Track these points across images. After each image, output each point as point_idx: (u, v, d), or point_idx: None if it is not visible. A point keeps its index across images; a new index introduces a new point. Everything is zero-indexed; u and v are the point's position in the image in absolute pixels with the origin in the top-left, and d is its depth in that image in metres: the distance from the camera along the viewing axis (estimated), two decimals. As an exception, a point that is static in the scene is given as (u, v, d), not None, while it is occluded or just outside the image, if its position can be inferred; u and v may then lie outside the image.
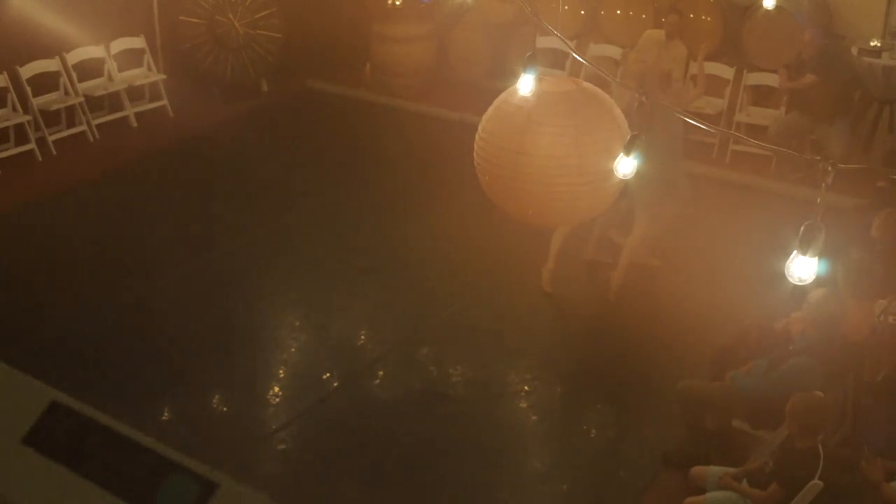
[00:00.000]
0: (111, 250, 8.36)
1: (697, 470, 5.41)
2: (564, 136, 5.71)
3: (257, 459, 6.03)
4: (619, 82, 7.59)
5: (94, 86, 10.56)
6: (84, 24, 10.23)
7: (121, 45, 10.80)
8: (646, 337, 7.10)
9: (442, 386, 6.75)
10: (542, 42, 10.55)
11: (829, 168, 4.12)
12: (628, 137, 5.33)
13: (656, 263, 7.94)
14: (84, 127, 10.42)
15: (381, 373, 6.90)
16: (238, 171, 9.91)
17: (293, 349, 7.20)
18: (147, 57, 11.00)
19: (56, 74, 10.22)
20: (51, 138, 10.10)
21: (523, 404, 6.76)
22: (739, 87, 10.05)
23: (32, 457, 1.88)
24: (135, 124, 10.81)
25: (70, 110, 10.39)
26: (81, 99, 10.37)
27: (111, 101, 10.77)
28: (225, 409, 6.68)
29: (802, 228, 4.04)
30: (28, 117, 9.88)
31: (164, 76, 11.07)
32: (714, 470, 5.33)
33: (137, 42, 10.92)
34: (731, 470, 5.27)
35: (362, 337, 7.42)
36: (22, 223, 8.82)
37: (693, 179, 9.29)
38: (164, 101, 11.04)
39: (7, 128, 9.76)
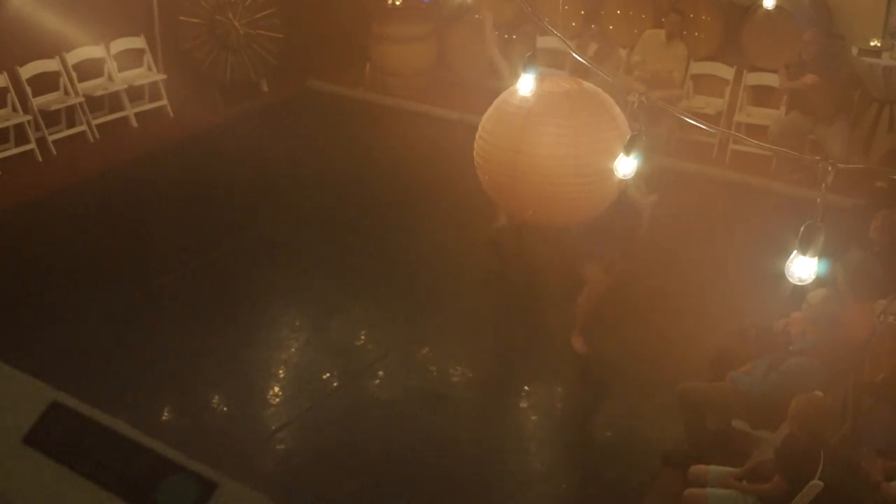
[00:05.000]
0: (111, 250, 8.36)
1: (697, 469, 5.41)
2: (564, 136, 5.71)
3: (257, 459, 6.03)
4: (619, 82, 7.60)
5: (94, 86, 10.56)
6: (84, 24, 10.22)
7: (121, 45, 10.80)
8: (646, 337, 7.10)
9: (442, 386, 6.75)
10: (542, 42, 10.55)
11: (829, 168, 4.12)
12: (628, 137, 5.34)
13: None
14: (84, 127, 10.42)
15: (380, 373, 6.90)
16: (238, 171, 9.91)
17: (293, 349, 7.20)
18: (147, 57, 11.00)
19: (56, 74, 10.22)
20: (51, 138, 10.10)
21: (523, 404, 6.77)
22: (739, 87, 10.06)
23: (32, 457, 1.88)
24: (135, 124, 10.81)
25: (70, 110, 10.39)
26: (81, 99, 10.37)
27: (111, 101, 10.77)
28: (225, 409, 6.68)
29: (802, 228, 4.04)
30: (28, 117, 9.87)
31: (164, 76, 11.07)
32: (714, 469, 5.33)
33: (137, 42, 10.92)
34: (731, 470, 5.27)
35: (362, 337, 7.42)
36: (22, 223, 8.82)
37: (693, 179, 9.33)
38: (164, 101, 11.04)
39: (7, 128, 9.75)
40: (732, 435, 5.83)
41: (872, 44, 9.34)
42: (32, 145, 9.89)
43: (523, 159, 5.75)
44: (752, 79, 10.05)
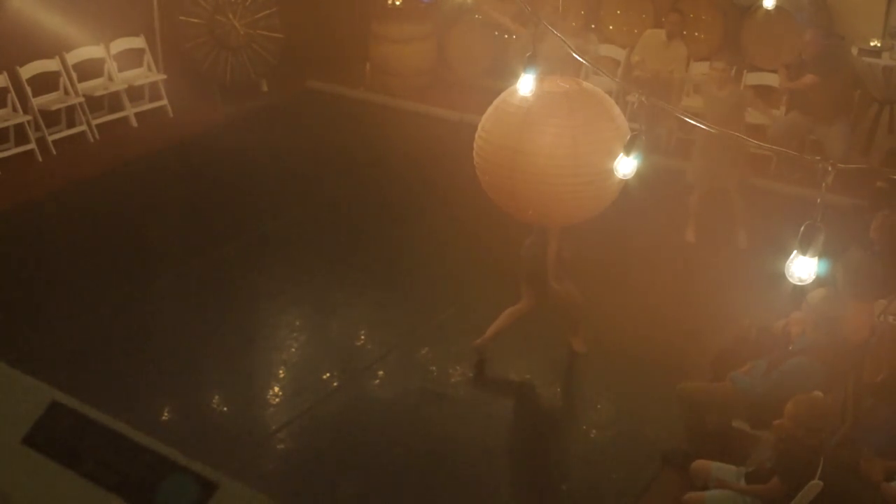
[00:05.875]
0: (111, 250, 8.36)
1: (700, 464, 5.40)
2: (563, 136, 5.72)
3: (257, 459, 6.03)
4: (620, 82, 7.60)
5: (94, 86, 10.56)
6: (84, 24, 10.22)
7: (121, 45, 10.80)
8: (646, 337, 7.10)
9: (442, 386, 6.75)
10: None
11: (829, 168, 4.12)
12: (628, 137, 5.34)
13: None
14: (84, 127, 10.42)
15: (380, 373, 6.90)
16: (237, 171, 9.91)
17: (293, 349, 7.20)
18: (147, 57, 11.00)
19: (56, 74, 10.22)
20: (51, 138, 10.10)
21: (523, 404, 6.76)
22: (739, 87, 10.04)
23: (32, 457, 1.89)
24: (135, 124, 10.81)
25: (70, 110, 10.39)
26: (81, 99, 10.37)
27: (111, 101, 10.77)
28: (225, 409, 6.68)
29: (802, 228, 4.04)
30: (28, 117, 9.87)
31: (164, 76, 11.07)
32: (716, 465, 5.33)
33: (137, 42, 10.92)
34: (732, 467, 5.27)
35: (362, 337, 7.42)
36: (22, 223, 8.82)
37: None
38: (164, 101, 11.04)
39: (7, 128, 9.75)
40: (732, 435, 5.83)
41: (872, 44, 9.34)
42: (32, 145, 9.89)
43: (523, 159, 5.75)
44: (752, 79, 10.04)
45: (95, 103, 10.59)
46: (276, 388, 6.76)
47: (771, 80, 9.82)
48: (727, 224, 8.51)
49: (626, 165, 5.22)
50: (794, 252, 4.08)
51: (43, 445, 1.88)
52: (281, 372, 6.96)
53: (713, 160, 8.27)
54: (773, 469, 4.99)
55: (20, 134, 9.85)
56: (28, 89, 9.92)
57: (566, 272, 6.68)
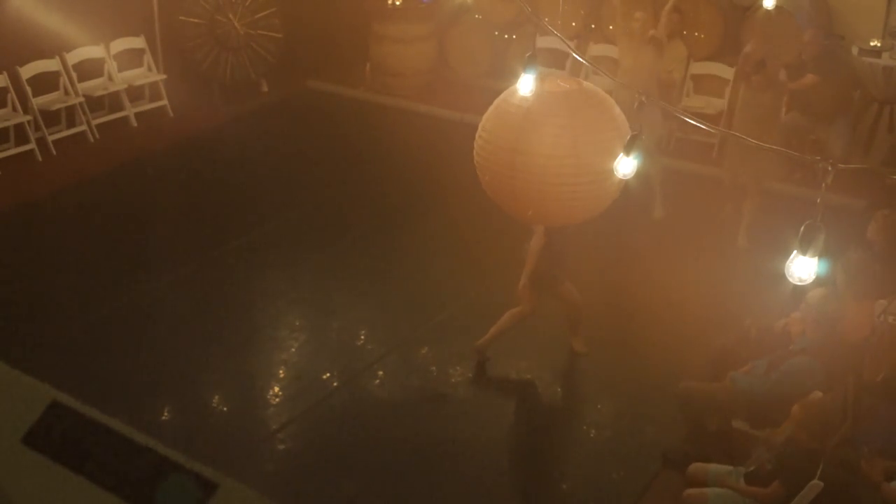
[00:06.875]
0: (111, 250, 8.36)
1: (696, 467, 5.41)
2: (563, 136, 5.72)
3: (257, 459, 6.03)
4: (620, 83, 7.60)
5: (94, 86, 10.56)
6: (84, 24, 10.22)
7: (121, 45, 10.79)
8: (646, 337, 7.10)
9: (442, 386, 6.75)
10: (543, 42, 10.55)
11: (829, 168, 4.12)
12: (628, 137, 5.34)
13: None
14: (84, 127, 10.42)
15: (381, 373, 6.90)
16: (238, 171, 9.91)
17: (293, 349, 7.20)
18: (147, 57, 11.00)
19: (56, 74, 10.22)
20: (51, 138, 10.10)
21: (523, 404, 6.76)
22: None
23: (32, 457, 1.88)
24: (135, 124, 10.81)
25: (70, 110, 10.39)
26: (81, 99, 10.36)
27: (111, 101, 10.77)
28: (225, 409, 6.68)
29: (802, 228, 4.04)
30: (28, 117, 9.87)
31: (164, 76, 11.07)
32: (713, 468, 5.33)
33: (137, 42, 10.92)
34: (730, 468, 5.26)
35: (362, 337, 7.42)
36: (22, 223, 8.82)
37: (693, 179, 9.33)
38: (164, 101, 11.04)
39: (7, 128, 9.75)
40: (732, 435, 5.83)
41: (872, 44, 9.33)
42: (32, 145, 9.89)
43: (522, 159, 5.75)
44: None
45: (95, 103, 10.59)
46: (277, 388, 6.76)
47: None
48: (731, 222, 8.52)
49: (626, 165, 5.22)
50: (794, 252, 4.08)
51: (43, 445, 1.88)
52: (281, 372, 6.96)
53: (738, 158, 8.30)
54: (773, 472, 4.99)
55: (20, 134, 9.85)
56: (28, 89, 9.92)
57: (565, 272, 6.68)
